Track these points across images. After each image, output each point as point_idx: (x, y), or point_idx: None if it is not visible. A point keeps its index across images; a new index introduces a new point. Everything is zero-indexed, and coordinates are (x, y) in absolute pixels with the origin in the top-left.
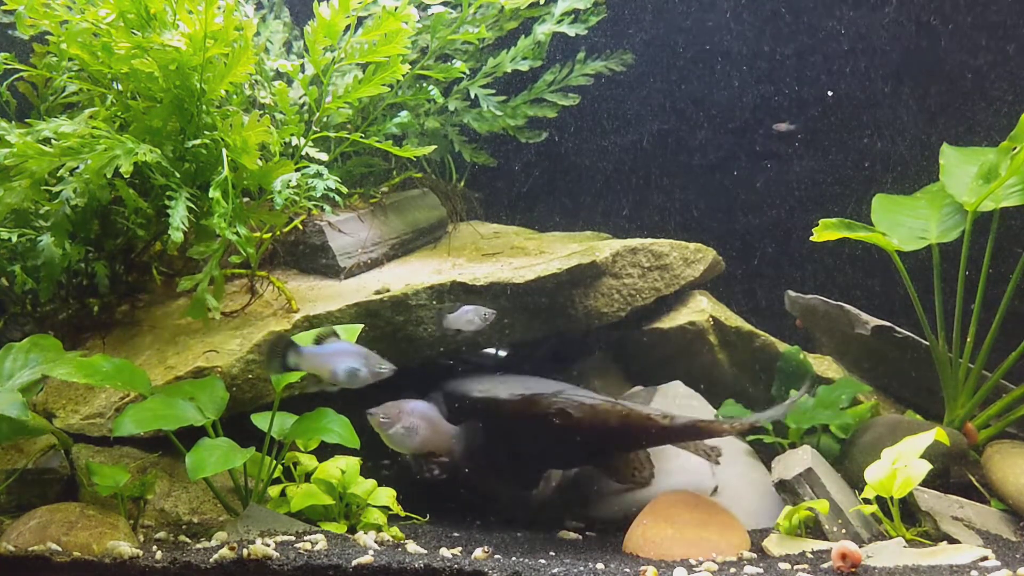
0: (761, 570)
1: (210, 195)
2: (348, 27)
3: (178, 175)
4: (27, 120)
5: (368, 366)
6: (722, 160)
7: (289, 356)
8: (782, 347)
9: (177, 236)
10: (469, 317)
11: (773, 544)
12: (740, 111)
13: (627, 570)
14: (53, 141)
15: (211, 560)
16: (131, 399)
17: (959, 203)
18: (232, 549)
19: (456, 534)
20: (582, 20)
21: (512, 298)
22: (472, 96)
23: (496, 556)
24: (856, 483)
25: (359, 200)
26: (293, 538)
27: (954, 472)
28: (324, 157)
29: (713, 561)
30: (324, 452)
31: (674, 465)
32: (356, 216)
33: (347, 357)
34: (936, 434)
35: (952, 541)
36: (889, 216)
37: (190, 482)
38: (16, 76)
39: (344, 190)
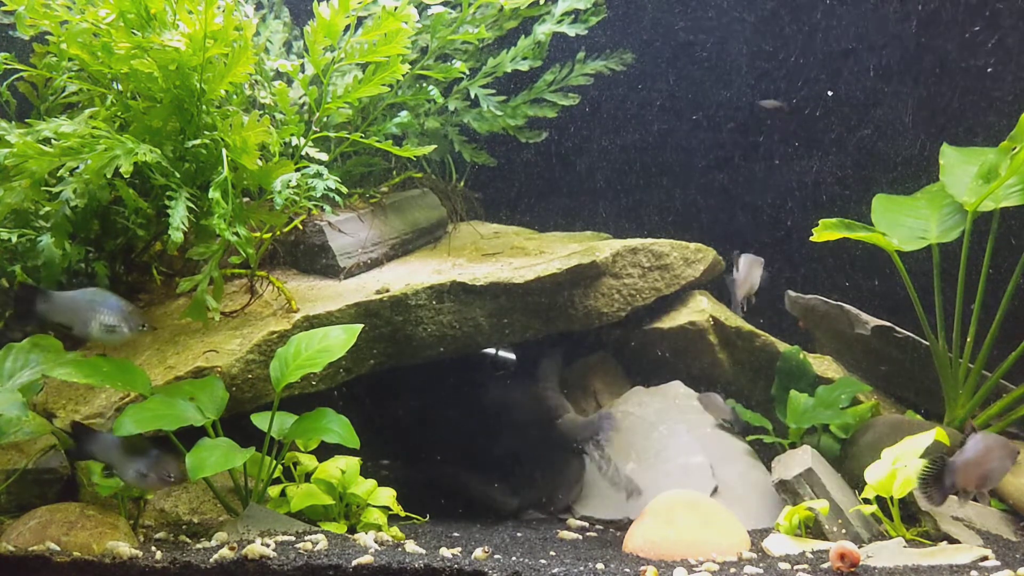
0: (761, 570)
1: (210, 195)
2: (348, 27)
3: (178, 175)
4: (27, 120)
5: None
6: (722, 160)
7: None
8: (782, 347)
9: (177, 236)
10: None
11: (773, 544)
12: (739, 110)
13: (627, 570)
14: (53, 141)
15: (211, 560)
16: (131, 399)
17: (959, 203)
18: (232, 549)
19: (456, 534)
20: (582, 20)
21: (512, 298)
22: (472, 96)
23: (496, 556)
24: (856, 483)
25: (359, 200)
26: (293, 538)
27: None
28: (324, 157)
29: (713, 561)
30: (324, 452)
31: (674, 466)
32: (356, 216)
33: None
34: (936, 434)
35: (952, 541)
36: (889, 216)
37: (190, 482)
38: (16, 76)
39: (344, 190)
